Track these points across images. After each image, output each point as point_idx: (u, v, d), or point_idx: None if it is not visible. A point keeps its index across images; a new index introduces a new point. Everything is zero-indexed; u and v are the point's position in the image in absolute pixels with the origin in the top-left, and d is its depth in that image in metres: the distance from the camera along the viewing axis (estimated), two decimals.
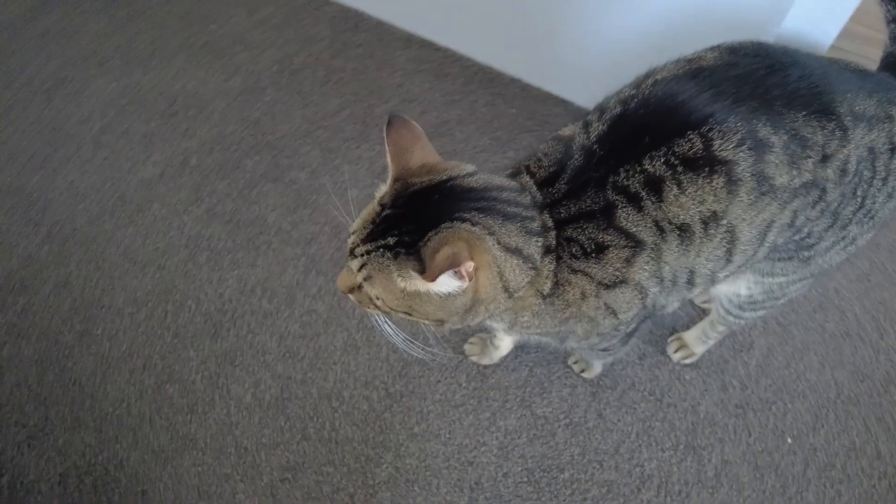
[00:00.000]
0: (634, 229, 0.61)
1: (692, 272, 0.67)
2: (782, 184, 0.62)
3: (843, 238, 0.74)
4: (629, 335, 0.79)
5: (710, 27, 1.02)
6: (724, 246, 0.65)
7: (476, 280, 0.58)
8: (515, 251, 0.60)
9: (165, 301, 1.19)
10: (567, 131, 0.68)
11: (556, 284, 0.64)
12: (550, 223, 0.63)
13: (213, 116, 1.42)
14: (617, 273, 0.63)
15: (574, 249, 0.62)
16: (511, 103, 1.41)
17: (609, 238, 0.61)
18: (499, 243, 0.59)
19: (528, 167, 0.68)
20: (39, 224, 1.30)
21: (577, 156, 0.64)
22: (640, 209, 0.61)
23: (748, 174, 0.60)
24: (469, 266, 0.57)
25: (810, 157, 0.62)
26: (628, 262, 0.62)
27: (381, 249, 0.58)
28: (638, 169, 0.60)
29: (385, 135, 0.60)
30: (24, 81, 1.48)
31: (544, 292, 0.64)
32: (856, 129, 0.63)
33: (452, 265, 0.54)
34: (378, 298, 0.61)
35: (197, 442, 1.05)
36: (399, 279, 0.58)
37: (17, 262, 1.24)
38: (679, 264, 0.65)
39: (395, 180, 0.60)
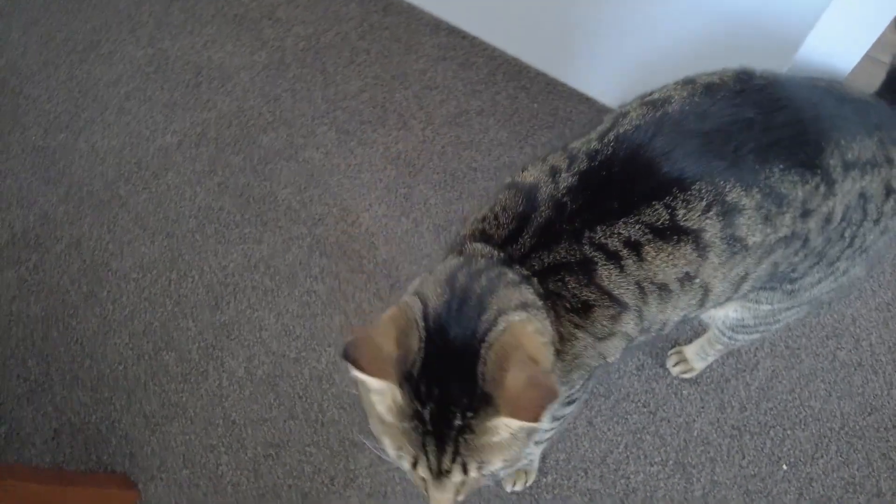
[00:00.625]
0: (618, 291, 0.59)
1: (665, 322, 0.67)
2: (756, 242, 0.60)
3: (832, 272, 0.71)
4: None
5: (733, 40, 0.99)
6: (697, 298, 0.64)
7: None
8: (523, 306, 0.56)
9: (170, 269, 1.21)
10: (529, 177, 0.63)
11: (563, 339, 0.60)
12: (527, 273, 0.58)
13: (235, 90, 1.43)
14: (606, 328, 0.61)
15: (566, 304, 0.59)
16: (534, 98, 1.39)
17: (592, 296, 0.59)
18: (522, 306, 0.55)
19: (480, 231, 0.62)
20: (58, 184, 1.33)
21: (543, 208, 0.60)
22: (621, 269, 0.59)
23: (717, 239, 0.58)
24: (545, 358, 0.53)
25: (788, 213, 0.59)
26: (615, 319, 0.61)
27: (460, 436, 0.50)
28: (615, 231, 0.58)
29: (355, 364, 0.49)
30: (60, 41, 1.51)
31: (557, 347, 0.60)
32: (845, 180, 0.60)
33: (536, 383, 0.48)
34: (502, 462, 0.53)
35: (187, 410, 1.07)
36: (503, 434, 0.51)
37: (34, 218, 1.28)
38: (657, 317, 0.65)
39: (400, 381, 0.51)
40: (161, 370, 1.11)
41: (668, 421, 1.06)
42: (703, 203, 0.57)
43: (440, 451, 0.50)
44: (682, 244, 0.58)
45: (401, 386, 0.50)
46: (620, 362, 1.10)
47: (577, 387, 0.70)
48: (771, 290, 0.74)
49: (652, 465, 1.03)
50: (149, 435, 1.05)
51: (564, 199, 0.59)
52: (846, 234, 0.66)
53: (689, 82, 0.65)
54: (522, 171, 0.64)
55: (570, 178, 0.60)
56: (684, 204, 0.57)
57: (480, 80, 1.41)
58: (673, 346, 1.10)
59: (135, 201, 1.30)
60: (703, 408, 1.08)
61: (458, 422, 0.50)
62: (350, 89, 1.42)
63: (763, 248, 0.61)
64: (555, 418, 0.78)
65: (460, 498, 0.55)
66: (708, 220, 0.57)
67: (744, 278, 0.65)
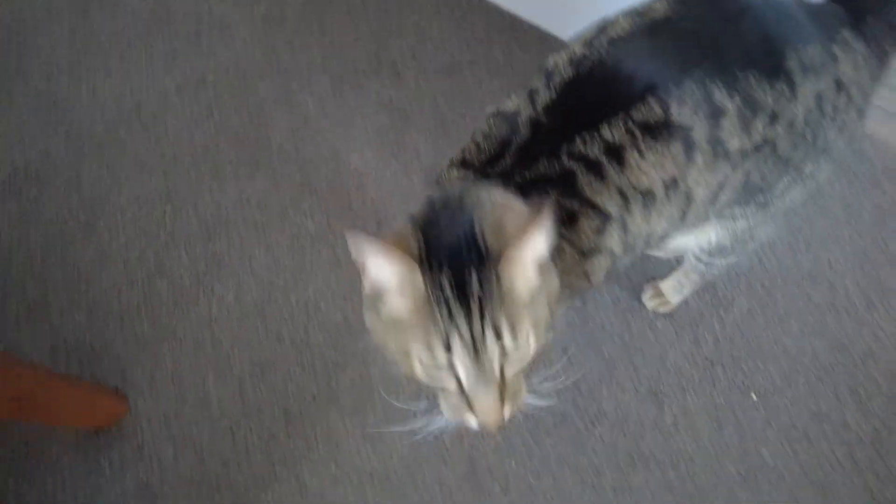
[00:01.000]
0: (598, 199, 0.60)
1: (649, 235, 0.69)
2: (735, 148, 0.62)
3: (800, 177, 0.75)
4: None
5: None
6: (679, 208, 0.67)
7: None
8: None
9: (165, 203, 1.26)
10: (510, 105, 0.64)
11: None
12: (510, 187, 0.58)
13: (234, 41, 1.48)
14: (591, 242, 0.63)
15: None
16: (527, 50, 1.43)
17: (576, 207, 0.60)
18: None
19: (460, 161, 0.63)
20: (59, 125, 1.38)
21: (523, 130, 0.61)
22: (602, 177, 0.60)
23: (703, 141, 0.60)
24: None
25: (760, 119, 0.62)
26: (599, 231, 0.62)
27: (482, 297, 0.50)
28: (597, 136, 0.59)
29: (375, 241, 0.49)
30: None
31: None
32: (804, 83, 0.63)
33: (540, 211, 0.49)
34: (531, 326, 0.52)
35: (177, 333, 1.12)
36: (518, 285, 0.51)
37: (35, 155, 1.33)
38: (642, 230, 0.67)
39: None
40: (154, 296, 1.16)
41: (642, 352, 1.10)
42: (694, 100, 0.58)
43: (468, 317, 0.49)
44: (674, 142, 0.59)
45: (419, 264, 0.50)
46: (598, 294, 1.14)
47: (561, 312, 0.71)
48: (745, 205, 0.77)
49: (624, 392, 1.07)
50: (140, 354, 1.10)
51: (542, 119, 0.60)
52: (808, 135, 0.69)
53: None
54: (506, 100, 0.66)
55: (549, 95, 0.61)
56: (678, 100, 0.58)
57: (475, 34, 1.45)
58: (649, 282, 1.14)
59: (133, 141, 1.35)
60: (677, 340, 1.11)
61: (475, 283, 0.49)
62: (346, 40, 1.46)
63: (740, 154, 0.64)
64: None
65: (507, 412, 0.53)
66: (698, 119, 0.59)
67: (721, 187, 0.67)
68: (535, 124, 0.61)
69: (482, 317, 0.50)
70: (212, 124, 1.36)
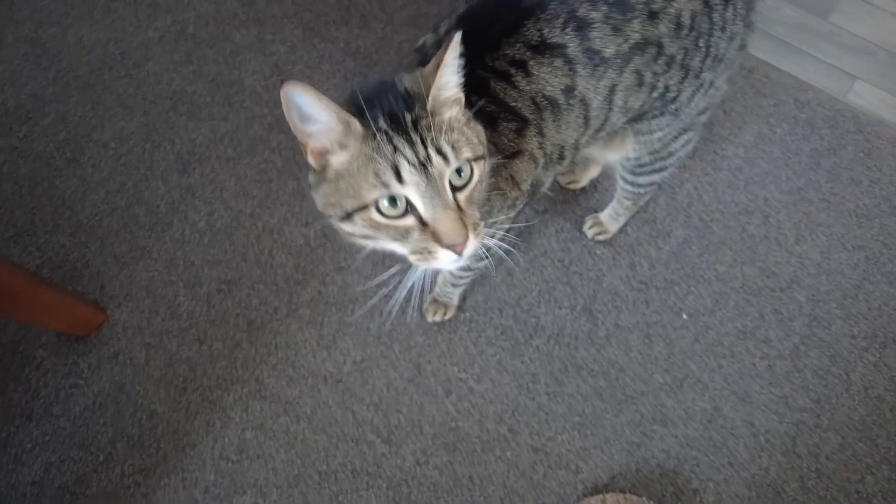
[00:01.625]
0: (514, 104, 0.67)
1: (563, 144, 0.78)
2: (612, 53, 0.68)
3: (702, 85, 0.83)
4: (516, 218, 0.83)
5: None
6: (581, 114, 0.73)
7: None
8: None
9: (145, 141, 1.37)
10: (421, 41, 0.73)
11: None
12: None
13: None
14: (512, 144, 0.69)
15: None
16: None
17: (495, 111, 0.66)
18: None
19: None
20: (48, 69, 1.49)
21: (431, 52, 0.66)
22: (514, 86, 0.67)
23: (579, 53, 0.67)
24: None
25: (636, 18, 0.67)
26: (519, 133, 0.69)
27: (418, 125, 0.57)
28: (500, 54, 0.66)
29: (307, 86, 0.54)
30: None
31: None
32: None
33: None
34: (468, 148, 0.59)
35: (152, 253, 1.23)
36: (449, 110, 0.60)
37: (24, 97, 1.44)
38: (555, 138, 0.73)
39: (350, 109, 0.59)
40: (132, 221, 1.27)
41: (580, 275, 1.20)
42: (561, 20, 0.66)
43: (410, 142, 0.55)
44: (555, 58, 0.68)
45: (355, 110, 0.56)
46: (543, 225, 1.24)
47: (498, 220, 0.76)
48: (660, 116, 0.86)
49: (561, 309, 1.17)
50: (118, 272, 1.22)
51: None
52: (700, 44, 0.74)
53: None
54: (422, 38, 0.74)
55: (450, 23, 0.70)
56: (547, 22, 0.66)
57: None
58: (590, 214, 1.24)
59: (117, 85, 1.45)
60: (614, 265, 1.21)
61: (408, 118, 0.56)
62: None
63: (620, 57, 0.69)
64: (469, 269, 0.92)
65: (471, 235, 0.57)
66: (567, 36, 0.66)
67: (613, 91, 0.72)
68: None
69: (423, 142, 0.55)
70: (190, 70, 1.47)
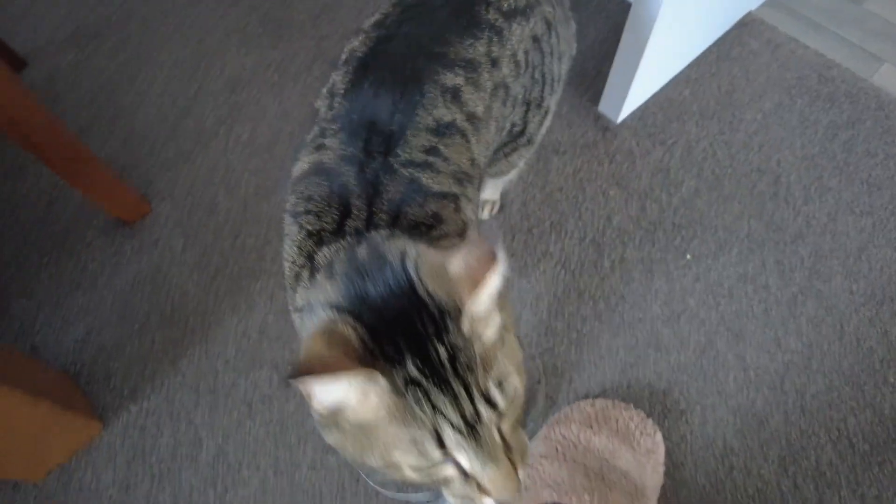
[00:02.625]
0: (440, 188, 0.63)
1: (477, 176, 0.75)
2: (481, 110, 0.69)
3: (546, 111, 0.87)
4: None
5: None
6: (479, 176, 0.73)
7: None
8: None
9: (198, 64, 1.52)
10: (306, 162, 0.65)
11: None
12: (385, 231, 0.57)
13: None
14: (458, 222, 0.66)
15: (423, 230, 0.60)
16: None
17: (435, 206, 0.62)
18: None
19: (313, 239, 0.59)
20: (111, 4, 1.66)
21: (345, 170, 0.61)
22: (436, 171, 0.63)
23: (465, 123, 0.67)
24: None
25: (483, 70, 0.68)
26: (458, 210, 0.65)
27: (455, 364, 0.45)
28: (409, 147, 0.63)
29: (313, 372, 0.42)
30: None
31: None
32: (512, 27, 0.70)
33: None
34: (515, 371, 0.49)
35: (196, 159, 1.38)
36: (487, 330, 0.47)
37: (94, 18, 1.63)
38: (475, 201, 0.72)
39: (364, 362, 0.46)
40: (180, 131, 1.42)
41: (592, 212, 1.31)
42: (440, 99, 0.65)
43: (453, 396, 0.44)
44: (455, 136, 0.66)
45: (368, 364, 0.43)
46: (559, 164, 1.35)
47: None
48: (514, 152, 0.89)
49: (570, 240, 1.28)
50: (164, 172, 1.36)
51: (352, 151, 0.62)
52: (537, 76, 0.77)
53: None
54: (296, 163, 0.68)
55: (339, 133, 0.64)
56: (431, 104, 0.64)
57: None
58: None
59: (176, 15, 1.62)
60: (625, 206, 1.32)
61: (444, 356, 0.44)
62: None
63: (488, 111, 0.70)
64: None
65: (522, 475, 0.48)
66: (448, 109, 0.65)
67: (489, 146, 0.74)
68: (352, 158, 0.62)
69: (468, 391, 0.44)
70: (245, 4, 1.62)
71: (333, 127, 0.65)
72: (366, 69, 0.66)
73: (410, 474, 0.47)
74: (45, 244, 1.31)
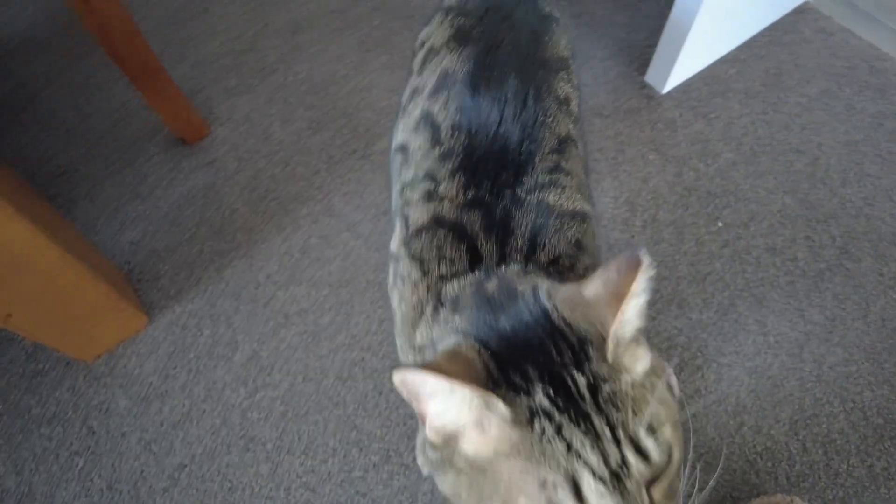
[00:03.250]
0: (571, 206, 0.60)
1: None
2: (577, 110, 0.73)
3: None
4: None
5: None
6: None
7: None
8: None
9: (265, 4, 1.61)
10: (430, 211, 0.59)
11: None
12: (517, 268, 0.53)
13: None
14: (596, 250, 0.63)
15: (562, 265, 0.56)
16: None
17: (574, 230, 0.58)
18: None
19: (431, 277, 0.55)
20: None
21: (469, 218, 0.56)
22: (561, 188, 0.60)
23: (573, 127, 0.67)
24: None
25: (572, 60, 0.74)
26: (594, 236, 0.62)
27: (597, 398, 0.38)
28: (538, 169, 0.59)
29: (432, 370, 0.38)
30: None
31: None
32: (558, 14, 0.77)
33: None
34: (665, 412, 0.41)
35: (256, 90, 1.48)
36: (635, 365, 0.41)
37: None
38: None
39: (488, 384, 0.41)
40: (244, 63, 1.51)
41: (629, 174, 1.36)
42: (559, 112, 0.65)
43: (595, 436, 0.37)
44: (571, 148, 0.65)
45: (495, 385, 0.39)
46: (602, 126, 1.40)
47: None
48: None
49: (605, 197, 1.33)
50: (225, 100, 1.46)
51: (474, 193, 0.58)
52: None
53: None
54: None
55: (460, 177, 0.59)
56: (554, 122, 0.63)
57: None
58: None
59: None
60: (662, 171, 1.36)
61: (585, 389, 0.38)
62: None
63: (579, 109, 0.73)
64: None
65: None
66: (565, 122, 0.66)
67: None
68: (477, 200, 0.57)
69: (613, 433, 0.37)
70: None
71: (447, 167, 0.59)
72: (476, 91, 0.60)
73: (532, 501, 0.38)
74: (112, 155, 1.41)
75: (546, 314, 0.42)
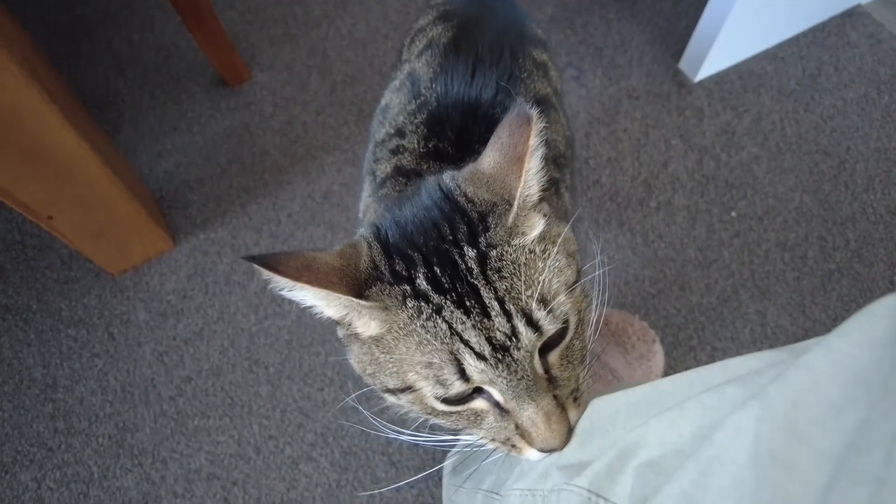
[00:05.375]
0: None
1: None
2: (559, 88, 0.79)
3: None
4: None
5: None
6: None
7: None
8: None
9: None
10: (394, 164, 0.62)
11: None
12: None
13: None
14: (562, 206, 0.66)
15: None
16: None
17: None
18: None
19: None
20: None
21: (432, 163, 0.59)
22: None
23: (553, 95, 0.72)
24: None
25: (551, 51, 0.81)
26: (559, 195, 0.65)
27: (485, 271, 0.39)
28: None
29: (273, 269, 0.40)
30: None
31: None
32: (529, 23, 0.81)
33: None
34: (564, 289, 0.42)
35: (298, 41, 1.57)
36: (529, 232, 0.42)
37: None
38: (572, 186, 0.80)
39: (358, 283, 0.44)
40: (290, 14, 1.60)
41: (650, 156, 1.41)
42: (536, 72, 0.70)
43: (479, 312, 0.38)
44: (550, 111, 0.70)
45: (376, 279, 0.41)
46: (630, 107, 1.45)
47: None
48: None
49: (623, 176, 1.38)
50: (268, 48, 1.55)
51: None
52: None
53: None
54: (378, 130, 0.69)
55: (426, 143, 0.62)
56: (530, 79, 0.67)
57: None
58: None
59: None
60: (683, 157, 1.41)
61: (470, 253, 0.39)
62: None
63: (561, 88, 0.82)
64: None
65: (573, 417, 0.42)
66: (543, 84, 0.70)
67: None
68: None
69: (502, 305, 0.38)
70: None
71: (416, 121, 0.61)
72: (458, 51, 0.62)
73: (433, 404, 0.41)
74: (157, 89, 1.52)
75: (447, 195, 0.43)
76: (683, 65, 1.52)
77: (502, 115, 0.60)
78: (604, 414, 0.43)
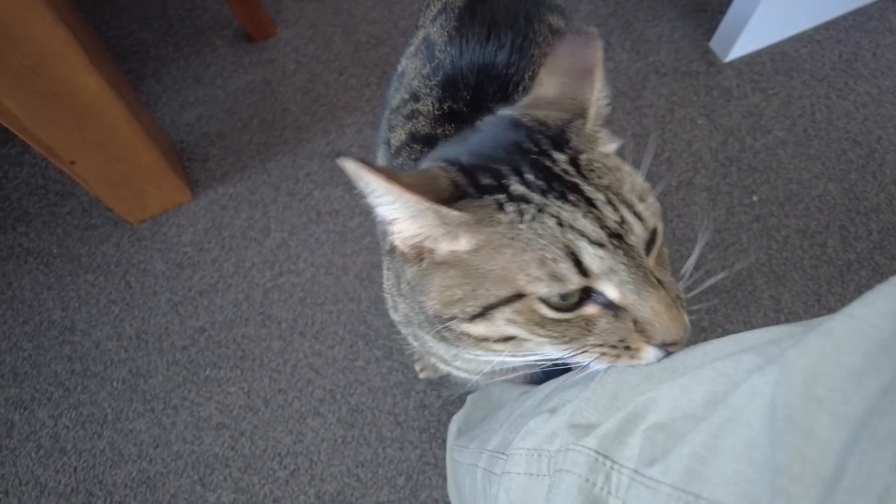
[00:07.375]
0: None
1: None
2: None
3: None
4: None
5: None
6: None
7: None
8: None
9: None
10: (408, 130, 0.64)
11: None
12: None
13: None
14: None
15: None
16: None
17: None
18: None
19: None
20: None
21: (447, 127, 0.60)
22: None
23: None
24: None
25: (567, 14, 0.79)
26: None
27: (581, 176, 0.41)
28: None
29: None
30: None
31: None
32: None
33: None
34: (662, 230, 0.45)
35: (324, 0, 1.54)
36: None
37: None
38: None
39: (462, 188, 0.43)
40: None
41: (675, 134, 1.40)
42: (551, 37, 0.69)
43: (586, 204, 0.39)
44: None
45: (461, 196, 0.40)
46: (657, 83, 1.43)
47: None
48: None
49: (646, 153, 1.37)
50: (294, 5, 1.56)
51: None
52: None
53: None
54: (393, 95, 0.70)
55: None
56: (545, 43, 0.66)
57: None
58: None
59: None
60: (708, 137, 1.40)
61: (561, 158, 0.41)
62: None
63: None
64: None
65: (685, 318, 0.42)
66: None
67: None
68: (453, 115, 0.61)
69: (607, 195, 0.39)
70: None
71: (431, 83, 0.62)
72: (473, 15, 0.64)
73: (545, 313, 0.39)
74: (182, 41, 1.53)
75: (515, 122, 0.43)
76: (714, 44, 1.50)
77: (516, 76, 0.61)
78: (615, 378, 0.44)
